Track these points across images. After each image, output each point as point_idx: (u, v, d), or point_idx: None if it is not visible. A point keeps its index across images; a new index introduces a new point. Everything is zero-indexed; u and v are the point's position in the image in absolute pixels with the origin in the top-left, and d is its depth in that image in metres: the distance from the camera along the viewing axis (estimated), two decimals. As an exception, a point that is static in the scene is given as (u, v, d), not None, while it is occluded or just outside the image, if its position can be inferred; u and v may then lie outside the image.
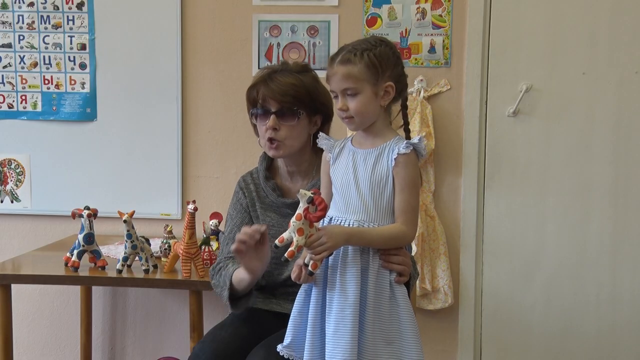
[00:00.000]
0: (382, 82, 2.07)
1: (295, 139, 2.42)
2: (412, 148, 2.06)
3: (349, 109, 2.08)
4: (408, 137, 2.14)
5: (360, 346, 2.04)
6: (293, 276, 2.08)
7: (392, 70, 2.09)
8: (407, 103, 2.18)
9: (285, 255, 1.98)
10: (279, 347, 2.13)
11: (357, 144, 2.16)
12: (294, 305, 2.13)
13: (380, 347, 2.05)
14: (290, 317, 2.13)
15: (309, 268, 2.00)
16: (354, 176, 2.10)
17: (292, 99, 2.39)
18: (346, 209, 2.10)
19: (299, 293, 2.13)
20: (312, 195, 1.96)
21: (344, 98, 2.09)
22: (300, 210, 1.96)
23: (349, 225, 2.07)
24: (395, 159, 2.06)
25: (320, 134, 2.24)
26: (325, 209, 1.98)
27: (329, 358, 2.02)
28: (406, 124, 2.18)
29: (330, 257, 2.06)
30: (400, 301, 2.09)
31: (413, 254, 2.92)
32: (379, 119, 2.12)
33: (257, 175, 2.56)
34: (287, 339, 2.12)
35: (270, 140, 2.41)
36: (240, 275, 2.33)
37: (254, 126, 2.53)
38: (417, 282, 3.32)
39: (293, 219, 1.98)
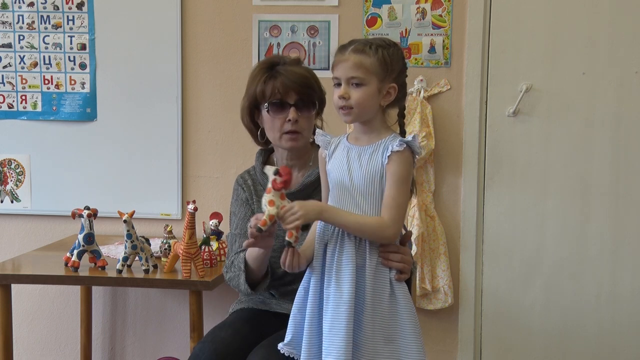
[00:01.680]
0: (388, 81, 2.08)
1: (309, 129, 2.45)
2: (405, 145, 2.07)
3: (350, 98, 2.08)
4: None
5: (360, 344, 2.04)
6: (281, 261, 2.08)
7: (398, 74, 2.11)
8: (407, 104, 2.20)
9: (259, 225, 2.01)
10: (280, 345, 2.13)
11: (353, 140, 2.15)
12: (294, 303, 2.13)
13: (380, 346, 2.05)
14: (291, 315, 2.13)
15: (286, 238, 2.01)
16: (348, 173, 2.10)
17: (309, 90, 2.42)
18: (340, 206, 2.10)
19: (298, 291, 2.14)
20: (277, 168, 2.00)
21: (348, 86, 2.08)
22: (269, 185, 2.01)
23: None
24: (389, 156, 2.06)
25: (318, 130, 2.25)
26: (290, 174, 2.01)
27: (325, 355, 2.02)
28: (402, 133, 2.18)
29: (328, 251, 2.06)
30: (400, 299, 2.08)
31: (413, 253, 2.93)
32: (376, 118, 2.12)
33: (254, 172, 2.57)
34: (288, 337, 2.12)
35: (291, 132, 2.41)
36: (254, 254, 2.30)
37: (250, 117, 2.53)
38: (417, 282, 3.33)
39: (264, 194, 2.02)
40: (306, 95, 2.41)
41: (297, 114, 2.41)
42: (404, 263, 2.11)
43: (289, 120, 2.41)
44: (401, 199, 2.07)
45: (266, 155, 2.57)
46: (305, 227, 2.06)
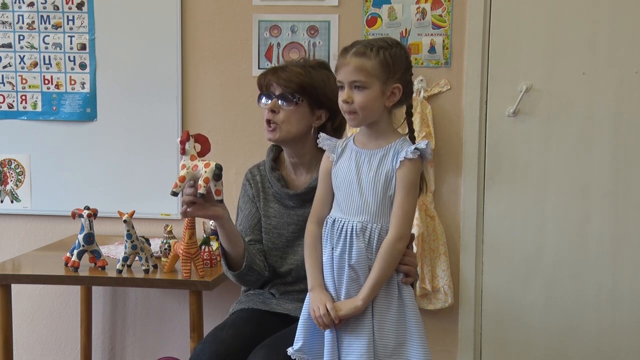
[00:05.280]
0: (391, 82, 2.07)
1: (293, 124, 2.43)
2: (419, 154, 2.07)
3: (353, 102, 2.07)
4: (413, 143, 2.14)
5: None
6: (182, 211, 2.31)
7: (402, 73, 2.09)
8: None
9: (172, 189, 2.26)
10: (290, 351, 2.12)
11: (360, 144, 2.15)
12: (304, 309, 2.13)
13: (388, 348, 2.07)
14: (300, 320, 2.13)
15: (199, 191, 2.23)
16: (357, 176, 2.10)
17: (295, 86, 2.41)
18: (348, 210, 2.09)
19: (306, 299, 2.14)
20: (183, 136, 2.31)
21: (351, 90, 2.08)
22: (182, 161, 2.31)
23: (351, 227, 2.07)
24: (401, 161, 2.06)
25: (321, 134, 2.24)
26: (189, 134, 2.30)
27: (345, 355, 2.03)
28: (411, 132, 2.17)
29: (336, 254, 2.08)
30: (407, 302, 2.10)
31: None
32: (382, 119, 2.11)
33: (263, 167, 2.58)
34: (298, 343, 2.11)
35: (268, 122, 2.44)
36: (222, 237, 2.41)
37: None
38: (417, 282, 3.33)
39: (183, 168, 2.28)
40: (289, 90, 2.41)
41: (277, 104, 2.42)
42: (409, 266, 2.12)
43: (267, 109, 2.44)
44: (409, 205, 2.08)
45: (277, 151, 2.58)
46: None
